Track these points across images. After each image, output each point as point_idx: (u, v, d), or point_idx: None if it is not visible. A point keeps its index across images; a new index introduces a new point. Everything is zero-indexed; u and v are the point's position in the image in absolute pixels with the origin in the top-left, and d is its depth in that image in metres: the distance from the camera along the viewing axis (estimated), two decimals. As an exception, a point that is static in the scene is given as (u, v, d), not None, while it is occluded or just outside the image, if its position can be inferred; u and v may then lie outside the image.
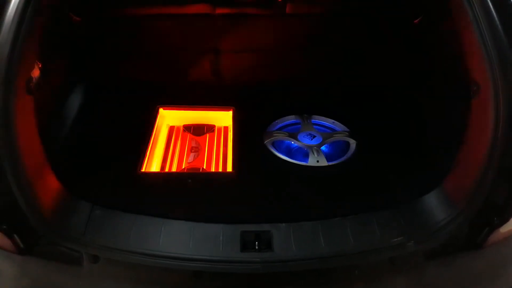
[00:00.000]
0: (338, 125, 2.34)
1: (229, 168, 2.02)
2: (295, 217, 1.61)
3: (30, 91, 1.40)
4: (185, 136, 2.33)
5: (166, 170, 2.09)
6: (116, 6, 2.23)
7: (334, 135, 2.26)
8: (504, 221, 1.51)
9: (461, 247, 1.61)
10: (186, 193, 1.83)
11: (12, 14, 1.27)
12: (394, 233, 1.55)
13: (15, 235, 1.44)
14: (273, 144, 2.16)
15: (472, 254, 1.62)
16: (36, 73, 1.47)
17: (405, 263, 1.60)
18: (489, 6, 1.34)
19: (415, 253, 1.57)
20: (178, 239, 1.52)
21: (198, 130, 2.36)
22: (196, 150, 2.21)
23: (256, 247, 1.50)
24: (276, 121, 2.33)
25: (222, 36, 2.42)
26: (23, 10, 1.28)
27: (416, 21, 2.23)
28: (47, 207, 1.47)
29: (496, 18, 1.34)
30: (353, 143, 2.18)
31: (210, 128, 2.37)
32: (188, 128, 2.37)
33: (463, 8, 1.39)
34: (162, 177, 2.01)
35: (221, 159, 2.14)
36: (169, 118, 2.41)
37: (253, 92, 2.51)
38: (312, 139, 2.22)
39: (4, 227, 1.42)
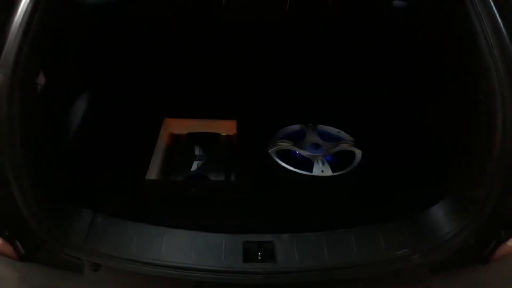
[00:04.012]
0: (343, 135, 2.33)
1: (233, 177, 2.01)
2: (299, 227, 1.59)
3: (35, 97, 1.41)
4: (189, 144, 2.32)
5: (170, 178, 2.08)
6: (122, 13, 2.25)
7: (340, 144, 2.24)
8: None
9: (467, 260, 1.59)
10: (189, 202, 1.82)
11: (19, 21, 1.28)
12: (399, 245, 1.53)
13: (17, 241, 1.44)
14: (277, 153, 2.15)
15: (478, 268, 1.59)
16: (42, 79, 1.48)
17: (410, 276, 1.58)
18: (496, 17, 1.33)
19: (420, 265, 1.54)
20: (179, 248, 1.50)
21: (202, 138, 2.35)
22: (200, 158, 2.20)
23: (259, 258, 1.48)
24: (281, 130, 2.32)
25: (228, 44, 2.43)
26: (30, 17, 1.29)
27: (423, 30, 2.22)
28: (49, 213, 1.46)
29: (503, 29, 1.33)
30: (358, 153, 2.16)
31: (214, 137, 2.36)
32: (192, 136, 2.36)
33: (470, 18, 1.38)
34: (165, 185, 2.00)
35: (225, 167, 2.13)
36: (173, 126, 2.41)
37: (258, 100, 2.50)
38: (317, 149, 2.20)
39: (6, 233, 1.42)
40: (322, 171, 2.05)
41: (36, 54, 1.36)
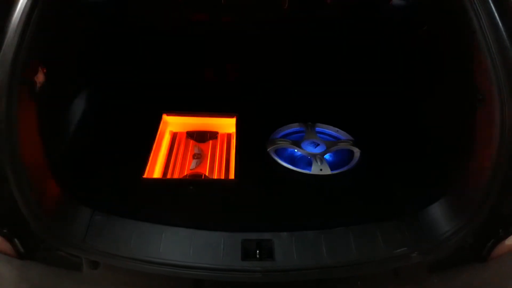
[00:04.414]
0: (342, 134, 2.33)
1: (232, 176, 2.01)
2: (297, 226, 1.60)
3: (33, 96, 1.40)
4: (188, 142, 2.32)
5: (168, 176, 2.08)
6: (121, 11, 2.24)
7: (338, 143, 2.25)
8: (510, 233, 1.48)
9: (466, 259, 1.59)
10: (187, 200, 1.82)
11: (18, 19, 1.28)
12: (398, 244, 1.53)
13: (16, 240, 1.44)
14: (276, 152, 2.15)
15: (477, 267, 1.60)
16: (40, 77, 1.47)
17: (408, 275, 1.58)
18: (494, 15, 1.33)
19: (419, 264, 1.54)
20: (178, 246, 1.51)
21: (201, 136, 2.35)
22: (199, 156, 2.20)
23: (257, 256, 1.48)
24: (280, 129, 2.32)
25: (227, 43, 2.43)
26: (28, 15, 1.29)
27: (422, 29, 2.22)
28: (48, 212, 1.46)
29: (502, 27, 1.33)
30: (357, 152, 2.16)
31: (213, 135, 2.37)
32: (191, 134, 2.36)
33: (468, 16, 1.38)
34: (163, 183, 2.00)
35: (224, 166, 2.13)
36: (172, 124, 2.41)
37: (257, 99, 2.50)
38: (315, 147, 2.20)
39: (5, 231, 1.42)
40: (321, 170, 2.05)
41: (35, 52, 1.36)
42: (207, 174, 2.09)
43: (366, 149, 2.16)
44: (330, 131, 2.36)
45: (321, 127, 2.37)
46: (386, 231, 1.57)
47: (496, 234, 1.49)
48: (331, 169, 2.06)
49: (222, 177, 2.07)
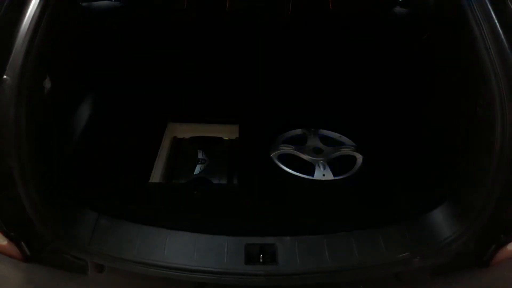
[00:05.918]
0: (345, 139, 2.34)
1: (235, 181, 2.02)
2: (300, 230, 1.61)
3: (41, 102, 1.43)
4: (193, 148, 2.34)
5: (173, 181, 2.10)
6: (126, 18, 2.27)
7: (341, 149, 2.26)
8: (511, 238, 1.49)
9: (467, 264, 1.59)
10: (192, 205, 1.83)
11: (27, 25, 1.31)
12: (400, 249, 1.54)
13: (22, 242, 1.45)
14: (279, 157, 2.17)
15: (479, 272, 1.60)
16: (48, 83, 1.50)
17: (410, 279, 1.59)
18: (494, 22, 1.35)
19: (421, 269, 1.55)
20: (182, 250, 1.52)
21: (205, 142, 2.37)
22: (203, 162, 2.22)
23: (261, 260, 1.49)
24: (283, 134, 2.34)
25: (231, 48, 2.45)
26: (37, 21, 1.32)
27: (424, 36, 2.24)
28: (54, 215, 1.48)
29: (502, 34, 1.34)
30: (359, 157, 2.18)
31: (217, 141, 2.38)
32: (195, 140, 2.38)
33: (469, 24, 1.40)
34: (168, 188, 2.01)
35: (228, 171, 2.15)
36: (177, 130, 2.43)
37: (260, 105, 2.52)
38: (318, 153, 2.21)
39: (12, 234, 1.43)
40: (324, 175, 2.06)
41: (43, 58, 1.38)
42: (211, 179, 2.10)
43: (369, 155, 2.18)
44: (333, 137, 2.37)
45: (324, 133, 2.38)
46: (388, 236, 1.58)
47: (498, 239, 1.49)
48: (334, 175, 2.07)
49: (226, 182, 2.08)
